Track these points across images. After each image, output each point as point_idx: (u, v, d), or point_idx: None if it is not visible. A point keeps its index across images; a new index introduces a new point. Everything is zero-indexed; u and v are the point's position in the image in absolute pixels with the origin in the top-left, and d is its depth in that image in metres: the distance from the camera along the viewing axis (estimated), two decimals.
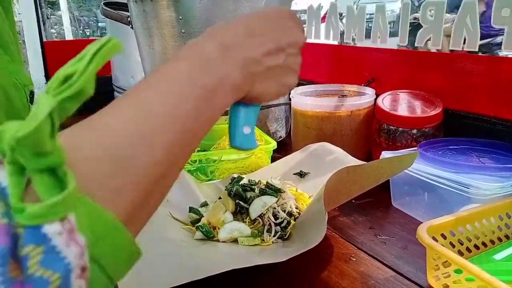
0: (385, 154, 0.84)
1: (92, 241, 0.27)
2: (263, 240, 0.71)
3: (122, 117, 0.32)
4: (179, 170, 0.41)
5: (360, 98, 1.07)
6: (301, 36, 0.51)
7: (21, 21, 1.76)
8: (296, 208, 0.76)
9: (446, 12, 1.00)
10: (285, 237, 0.72)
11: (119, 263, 0.30)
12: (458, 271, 0.55)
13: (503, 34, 0.88)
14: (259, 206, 0.74)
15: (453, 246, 0.63)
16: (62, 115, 0.26)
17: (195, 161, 0.94)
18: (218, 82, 0.42)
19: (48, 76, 1.89)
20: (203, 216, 0.77)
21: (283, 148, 1.12)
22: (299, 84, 1.21)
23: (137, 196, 0.33)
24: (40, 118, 0.24)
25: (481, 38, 0.95)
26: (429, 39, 1.04)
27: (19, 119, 0.25)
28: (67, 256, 0.25)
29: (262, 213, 0.73)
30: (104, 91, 1.79)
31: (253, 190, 0.78)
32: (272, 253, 0.67)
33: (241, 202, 0.75)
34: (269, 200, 0.74)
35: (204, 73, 0.41)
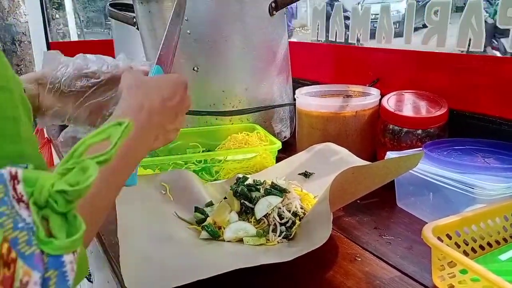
0: (390, 155, 0.84)
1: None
2: (268, 240, 0.71)
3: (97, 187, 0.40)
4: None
5: (365, 99, 1.07)
6: (191, 103, 0.69)
7: (27, 22, 1.77)
8: (301, 208, 0.76)
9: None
10: (290, 237, 0.72)
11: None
12: (463, 272, 0.54)
13: None
14: (264, 206, 0.74)
15: (458, 246, 0.63)
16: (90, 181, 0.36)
17: (200, 161, 0.95)
18: (140, 146, 0.58)
19: None
20: (208, 216, 0.77)
21: (287, 149, 1.12)
22: (304, 84, 1.22)
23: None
24: (90, 182, 0.34)
25: None
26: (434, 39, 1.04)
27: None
28: (69, 280, 0.34)
29: (267, 213, 0.73)
30: None
31: (258, 190, 0.78)
32: (277, 253, 0.67)
33: (246, 202, 0.75)
34: (274, 200, 0.74)
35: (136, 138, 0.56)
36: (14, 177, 0.34)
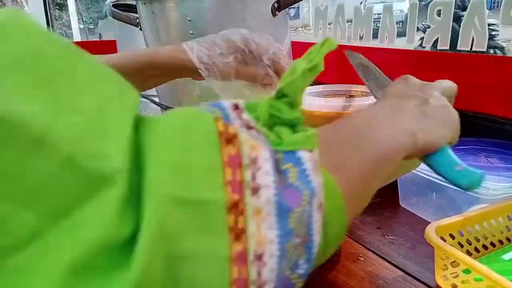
0: None
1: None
2: None
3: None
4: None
5: (368, 98, 1.07)
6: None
7: None
8: None
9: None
10: None
11: (335, 231, 0.34)
12: (466, 271, 0.54)
13: None
14: None
15: (462, 246, 0.63)
16: (304, 81, 0.36)
17: None
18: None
19: None
20: None
21: None
22: None
23: (358, 173, 0.39)
24: (299, 72, 0.34)
25: None
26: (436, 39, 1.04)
27: None
28: (313, 181, 0.30)
29: None
30: None
31: None
32: None
33: None
34: None
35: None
36: (235, 107, 0.32)
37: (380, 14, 1.19)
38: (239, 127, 0.30)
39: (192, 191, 0.25)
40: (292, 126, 0.33)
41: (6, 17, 0.24)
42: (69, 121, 0.23)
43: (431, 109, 0.49)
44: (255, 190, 0.27)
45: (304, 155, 0.31)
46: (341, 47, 1.40)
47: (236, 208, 0.26)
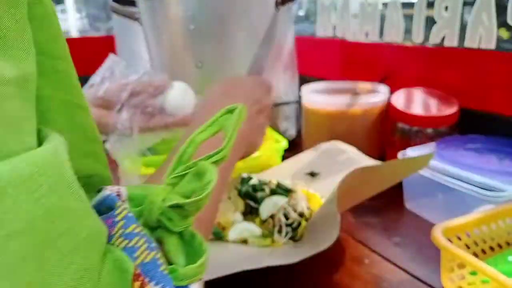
0: (409, 152, 0.83)
1: None
2: (274, 241, 0.70)
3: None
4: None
5: (373, 96, 1.06)
6: (271, 100, 0.66)
7: None
8: (308, 208, 0.75)
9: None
10: (296, 238, 0.70)
11: None
12: (473, 273, 0.54)
13: None
14: (269, 206, 0.73)
15: (468, 247, 0.62)
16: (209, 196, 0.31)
17: None
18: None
19: None
20: None
21: (293, 147, 1.11)
22: (310, 81, 1.20)
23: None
24: (210, 189, 0.29)
25: None
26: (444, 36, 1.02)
27: None
28: None
29: (272, 214, 0.72)
30: None
31: (263, 190, 0.76)
32: (283, 254, 0.66)
33: (251, 202, 0.74)
34: (280, 200, 0.73)
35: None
36: (118, 194, 0.29)
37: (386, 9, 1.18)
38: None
39: None
40: (178, 232, 0.30)
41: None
42: None
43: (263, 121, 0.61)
44: None
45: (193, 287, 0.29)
46: (346, 43, 1.40)
47: None
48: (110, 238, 0.27)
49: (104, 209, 0.28)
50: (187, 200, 0.29)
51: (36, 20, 0.28)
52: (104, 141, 0.77)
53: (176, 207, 0.29)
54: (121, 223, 0.27)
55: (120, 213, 0.28)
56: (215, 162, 0.31)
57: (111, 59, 0.78)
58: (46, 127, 0.27)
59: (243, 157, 0.60)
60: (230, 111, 0.34)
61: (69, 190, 0.23)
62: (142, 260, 0.27)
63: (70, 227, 0.22)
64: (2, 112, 0.21)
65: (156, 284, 0.27)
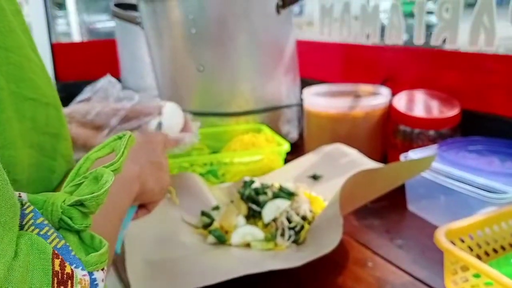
0: (411, 155, 0.83)
1: None
2: (277, 244, 0.70)
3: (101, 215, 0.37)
4: None
5: (375, 98, 1.05)
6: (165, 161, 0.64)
7: (30, 23, 1.77)
8: (310, 211, 0.75)
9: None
10: (299, 242, 0.70)
11: None
12: (476, 276, 0.53)
13: None
14: (272, 209, 0.73)
15: (471, 250, 0.62)
16: (107, 194, 0.34)
17: (206, 163, 0.93)
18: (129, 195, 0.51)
19: (57, 78, 1.89)
20: (215, 220, 0.76)
21: (296, 150, 1.11)
22: (311, 84, 1.20)
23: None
24: (107, 187, 0.32)
25: None
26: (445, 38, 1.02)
27: None
28: None
29: (275, 217, 0.72)
30: None
31: (265, 193, 0.76)
32: (286, 258, 0.66)
33: (253, 206, 0.74)
34: (283, 203, 0.73)
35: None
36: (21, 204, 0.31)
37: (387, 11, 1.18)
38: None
39: None
40: (78, 232, 0.32)
41: None
42: None
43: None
44: None
45: (98, 275, 0.31)
46: (347, 46, 1.40)
47: None
48: (21, 227, 0.29)
49: None
50: (87, 196, 0.31)
51: None
52: None
53: (77, 205, 0.31)
54: (30, 214, 0.30)
55: (28, 207, 0.30)
56: (113, 171, 0.34)
57: (107, 79, 0.80)
58: None
59: (145, 205, 0.60)
60: (120, 137, 0.39)
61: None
62: (55, 245, 0.29)
63: None
64: None
65: (71, 264, 0.29)
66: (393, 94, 1.04)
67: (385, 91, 1.08)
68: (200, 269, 0.63)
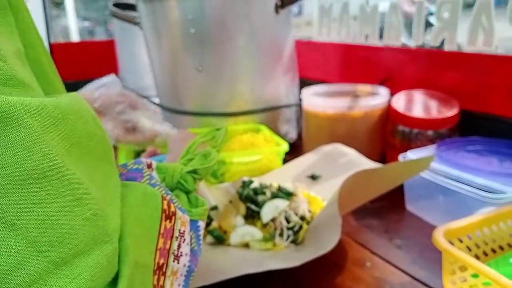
0: (410, 155, 0.83)
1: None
2: (275, 244, 0.70)
3: None
4: None
5: (374, 99, 1.06)
6: None
7: None
8: (309, 211, 0.75)
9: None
10: (297, 242, 0.70)
11: None
12: (475, 276, 0.53)
13: None
14: (271, 209, 0.73)
15: (470, 250, 0.62)
16: (214, 167, 0.48)
17: None
18: None
19: None
20: (213, 220, 0.76)
21: (294, 150, 1.11)
22: (310, 84, 1.20)
23: None
24: (214, 161, 0.47)
25: None
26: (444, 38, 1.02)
27: None
28: (201, 246, 0.44)
29: (274, 217, 0.72)
30: None
31: (264, 193, 0.76)
32: (285, 258, 0.65)
33: (252, 206, 0.74)
34: (281, 203, 0.73)
35: None
36: (149, 166, 0.42)
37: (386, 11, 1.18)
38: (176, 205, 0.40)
39: (141, 257, 0.33)
40: (187, 193, 0.44)
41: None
42: (95, 191, 0.30)
43: None
44: (177, 257, 0.38)
45: (201, 224, 0.43)
46: (346, 46, 1.40)
47: (160, 269, 0.36)
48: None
49: (134, 167, 0.42)
50: (200, 166, 0.44)
51: (14, 12, 0.34)
52: None
53: (192, 172, 0.43)
54: (147, 176, 0.41)
55: (146, 171, 0.41)
56: (217, 150, 0.48)
57: (111, 77, 0.88)
58: None
59: None
60: (218, 129, 0.51)
61: (95, 121, 0.34)
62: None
63: (97, 144, 0.33)
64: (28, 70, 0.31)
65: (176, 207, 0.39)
66: (392, 94, 1.05)
67: (383, 91, 1.08)
68: (199, 269, 0.62)
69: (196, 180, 0.44)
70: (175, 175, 0.42)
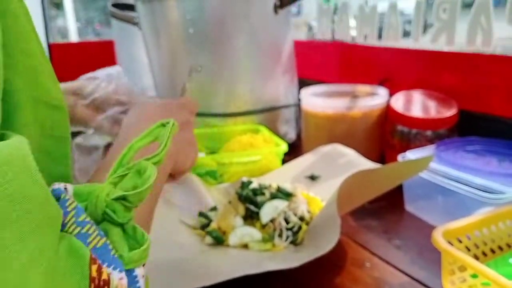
0: (409, 155, 0.83)
1: None
2: (274, 245, 0.70)
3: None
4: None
5: (373, 99, 1.06)
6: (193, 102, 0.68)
7: None
8: (308, 212, 0.74)
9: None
10: (296, 242, 0.70)
11: None
12: (474, 276, 0.53)
13: None
14: (270, 210, 0.72)
15: (469, 250, 0.62)
16: (151, 189, 0.34)
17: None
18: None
19: None
20: (212, 221, 0.76)
21: (293, 151, 1.11)
22: (309, 84, 1.20)
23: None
24: (151, 182, 0.32)
25: None
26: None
27: None
28: None
29: (273, 218, 0.72)
30: None
31: (263, 194, 0.76)
32: (284, 258, 0.65)
33: (251, 207, 0.74)
34: (280, 204, 0.73)
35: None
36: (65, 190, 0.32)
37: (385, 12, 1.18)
38: (111, 270, 0.30)
39: None
40: (121, 224, 0.33)
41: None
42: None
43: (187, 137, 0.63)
44: None
45: (139, 272, 0.32)
46: (345, 46, 1.40)
47: None
48: (63, 226, 0.29)
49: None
50: (130, 192, 0.32)
51: (6, 18, 0.31)
52: (80, 132, 0.86)
53: (120, 199, 0.32)
54: (72, 212, 0.30)
55: (71, 204, 0.30)
56: (154, 163, 0.34)
57: (116, 69, 0.83)
58: (12, 119, 0.32)
59: (173, 175, 0.62)
60: (163, 125, 0.39)
61: (31, 179, 0.26)
62: (95, 245, 0.29)
63: (30, 211, 0.25)
64: None
65: (109, 266, 0.29)
66: (391, 94, 1.05)
67: (382, 92, 1.08)
68: (198, 270, 0.63)
69: (130, 208, 0.33)
70: (98, 203, 0.31)
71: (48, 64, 0.41)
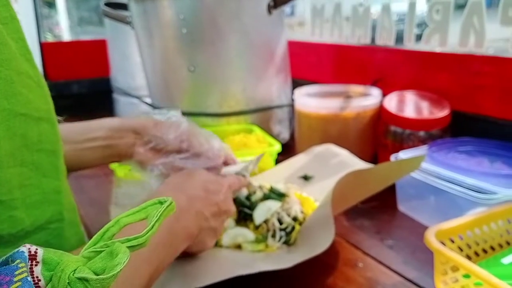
0: (402, 155, 0.83)
1: None
2: (268, 245, 0.70)
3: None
4: None
5: (366, 99, 1.06)
6: (233, 208, 0.66)
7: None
8: (302, 212, 0.74)
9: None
10: (290, 243, 0.70)
11: None
12: (466, 276, 0.53)
13: None
14: (263, 211, 0.72)
15: (461, 250, 0.62)
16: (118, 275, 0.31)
17: None
18: (181, 230, 0.53)
19: (47, 78, 1.87)
20: None
21: (287, 151, 1.11)
22: (302, 85, 1.20)
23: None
24: (116, 271, 0.29)
25: None
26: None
27: None
28: None
29: (266, 218, 0.72)
30: (103, 91, 1.79)
31: (255, 192, 0.76)
32: (277, 259, 0.65)
33: (244, 209, 0.74)
34: (274, 204, 0.73)
35: (176, 221, 0.52)
36: (33, 257, 0.29)
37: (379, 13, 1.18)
38: None
39: None
40: None
41: None
42: None
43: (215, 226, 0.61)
44: None
45: None
46: (338, 47, 1.40)
47: None
48: None
49: (10, 261, 0.28)
50: (94, 277, 0.29)
51: None
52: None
53: (83, 280, 0.29)
54: (17, 283, 0.27)
55: (20, 274, 0.27)
56: (132, 247, 0.30)
57: (176, 113, 0.75)
58: None
59: (186, 255, 0.62)
60: (161, 202, 0.34)
61: None
62: None
63: None
64: None
65: None
66: (384, 95, 1.05)
67: (376, 92, 1.08)
68: (191, 271, 0.62)
69: None
70: (61, 279, 0.29)
71: (34, 72, 0.39)
